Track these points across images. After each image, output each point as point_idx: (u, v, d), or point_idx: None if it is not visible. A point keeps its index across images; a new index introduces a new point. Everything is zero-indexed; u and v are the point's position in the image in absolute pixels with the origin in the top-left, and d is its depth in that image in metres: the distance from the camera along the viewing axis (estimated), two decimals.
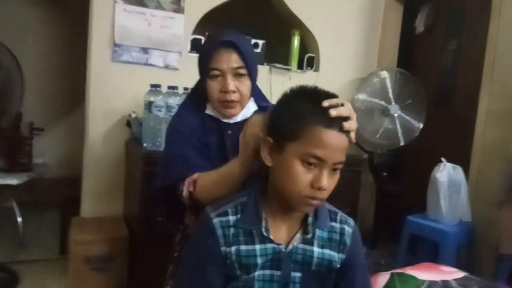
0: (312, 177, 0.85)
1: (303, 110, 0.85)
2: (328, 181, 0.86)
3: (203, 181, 1.08)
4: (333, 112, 0.83)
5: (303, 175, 0.85)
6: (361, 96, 2.84)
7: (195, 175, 1.09)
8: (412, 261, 1.74)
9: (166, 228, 1.34)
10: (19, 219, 2.86)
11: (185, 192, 1.10)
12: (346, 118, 0.85)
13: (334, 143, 0.84)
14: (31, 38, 3.70)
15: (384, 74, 2.89)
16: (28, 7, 3.74)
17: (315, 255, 0.93)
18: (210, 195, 1.05)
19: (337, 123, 0.84)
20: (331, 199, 0.92)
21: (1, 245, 2.81)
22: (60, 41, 3.85)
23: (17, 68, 2.37)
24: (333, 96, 0.88)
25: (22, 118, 3.15)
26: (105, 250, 2.17)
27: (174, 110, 2.09)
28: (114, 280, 2.20)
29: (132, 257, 2.21)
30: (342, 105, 0.86)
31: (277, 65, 2.88)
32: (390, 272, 1.35)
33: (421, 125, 2.82)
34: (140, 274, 2.08)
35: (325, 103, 0.85)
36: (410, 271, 1.35)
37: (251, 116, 1.12)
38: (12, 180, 2.86)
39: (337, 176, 0.88)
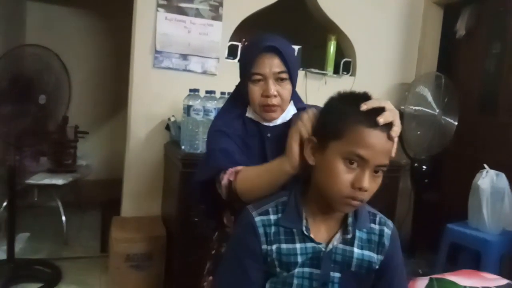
0: (354, 177, 0.85)
1: (348, 110, 0.86)
2: (370, 183, 0.86)
3: (246, 173, 1.07)
4: (381, 120, 0.84)
5: (344, 174, 0.85)
6: (407, 106, 2.85)
7: (239, 167, 1.10)
8: (451, 271, 1.68)
9: (201, 228, 1.36)
10: (63, 218, 2.99)
11: (225, 180, 1.10)
12: (391, 124, 0.86)
13: (377, 144, 0.84)
14: (78, 46, 3.91)
15: (426, 80, 2.88)
16: (76, 18, 3.97)
17: (355, 255, 0.93)
18: (249, 187, 1.05)
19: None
20: (367, 204, 0.91)
21: (46, 243, 2.94)
22: (104, 48, 4.05)
23: (65, 74, 2.49)
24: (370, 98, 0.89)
25: (68, 121, 3.31)
26: (144, 248, 2.23)
27: (212, 114, 2.15)
28: (152, 278, 2.26)
29: (169, 256, 2.26)
30: (383, 109, 0.86)
31: (313, 69, 2.89)
32: (429, 277, 1.32)
33: (456, 123, 2.88)
34: (176, 273, 2.12)
35: (363, 107, 0.85)
36: (450, 276, 1.32)
37: (296, 114, 1.14)
38: (58, 180, 3.02)
39: (379, 179, 0.88)
